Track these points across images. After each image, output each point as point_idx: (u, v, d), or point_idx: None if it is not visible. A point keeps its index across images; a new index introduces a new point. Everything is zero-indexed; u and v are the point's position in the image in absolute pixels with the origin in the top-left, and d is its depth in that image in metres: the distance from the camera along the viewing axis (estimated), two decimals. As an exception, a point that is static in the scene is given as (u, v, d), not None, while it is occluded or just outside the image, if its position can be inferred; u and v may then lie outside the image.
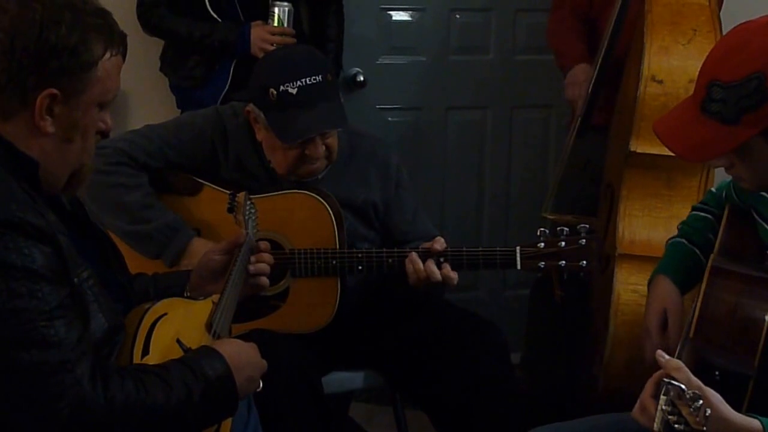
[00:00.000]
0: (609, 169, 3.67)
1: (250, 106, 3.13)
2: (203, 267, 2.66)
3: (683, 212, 2.90)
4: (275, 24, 3.73)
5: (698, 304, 2.37)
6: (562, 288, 3.08)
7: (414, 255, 3.06)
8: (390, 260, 3.10)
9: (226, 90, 3.81)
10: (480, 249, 3.11)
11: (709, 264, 2.43)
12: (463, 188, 4.71)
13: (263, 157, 3.18)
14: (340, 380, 3.31)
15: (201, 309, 2.41)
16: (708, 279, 2.38)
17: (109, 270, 2.31)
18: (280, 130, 3.05)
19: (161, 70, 3.98)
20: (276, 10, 3.73)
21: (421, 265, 3.04)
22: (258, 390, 2.29)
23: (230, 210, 2.95)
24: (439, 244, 3.08)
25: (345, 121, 3.13)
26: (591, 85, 3.69)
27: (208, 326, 2.34)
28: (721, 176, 2.81)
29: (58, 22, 2.02)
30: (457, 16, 4.55)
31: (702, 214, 2.78)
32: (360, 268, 3.11)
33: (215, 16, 3.77)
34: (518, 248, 3.07)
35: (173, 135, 3.19)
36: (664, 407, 1.88)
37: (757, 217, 2.51)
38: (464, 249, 3.10)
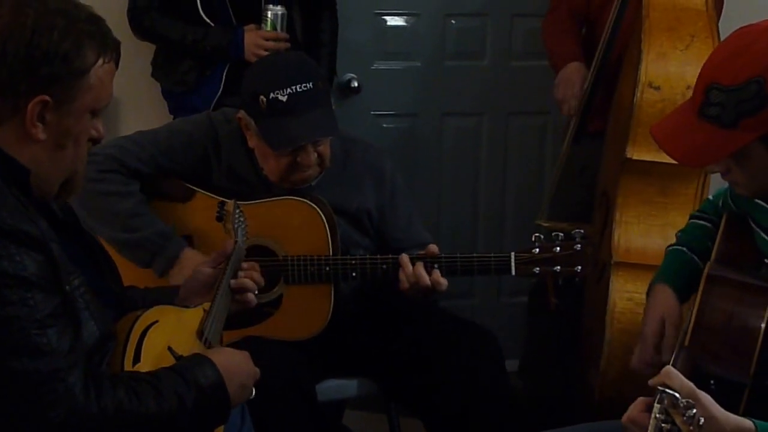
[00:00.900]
0: (604, 176, 3.66)
1: (241, 113, 3.12)
2: (193, 280, 2.64)
3: (679, 220, 2.89)
4: (268, 28, 3.73)
5: (694, 312, 2.36)
6: (557, 296, 3.07)
7: (404, 258, 3.05)
8: (384, 266, 3.09)
9: (218, 95, 3.79)
10: (474, 255, 3.10)
11: (705, 271, 2.42)
12: (459, 195, 4.70)
13: (256, 164, 3.17)
14: (334, 388, 3.29)
15: (192, 316, 2.41)
16: (704, 287, 2.38)
17: (101, 277, 2.31)
18: (270, 138, 3.04)
19: (153, 75, 3.96)
20: (269, 14, 3.73)
21: (410, 268, 3.03)
22: (251, 398, 2.29)
23: (219, 219, 2.96)
24: (433, 251, 3.07)
25: (336, 128, 3.11)
26: (587, 89, 3.68)
27: (200, 334, 2.34)
28: (717, 184, 2.80)
29: (50, 28, 2.01)
30: (453, 21, 4.53)
31: (701, 222, 2.78)
32: (354, 274, 3.10)
33: (207, 20, 3.75)
34: (513, 254, 3.06)
35: (165, 141, 3.18)
36: (658, 415, 1.88)
37: (753, 225, 2.50)
38: (458, 255, 3.09)
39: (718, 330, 2.31)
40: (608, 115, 3.68)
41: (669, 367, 1.96)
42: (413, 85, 4.55)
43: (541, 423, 2.79)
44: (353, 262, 3.10)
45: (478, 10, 4.56)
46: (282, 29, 3.74)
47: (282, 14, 3.74)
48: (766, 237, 2.45)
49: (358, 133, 3.57)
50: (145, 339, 2.19)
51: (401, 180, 3.37)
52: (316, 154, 3.09)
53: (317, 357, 3.15)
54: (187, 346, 2.26)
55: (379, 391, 3.33)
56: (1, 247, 1.93)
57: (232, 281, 2.64)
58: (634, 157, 3.30)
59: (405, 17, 4.50)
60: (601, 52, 3.62)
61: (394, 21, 4.49)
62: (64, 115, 2.06)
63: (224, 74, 3.79)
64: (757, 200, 2.43)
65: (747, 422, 1.97)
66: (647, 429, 1.91)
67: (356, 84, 4.41)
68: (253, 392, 2.28)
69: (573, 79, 3.81)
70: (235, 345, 2.45)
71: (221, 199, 3.02)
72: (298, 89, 3.01)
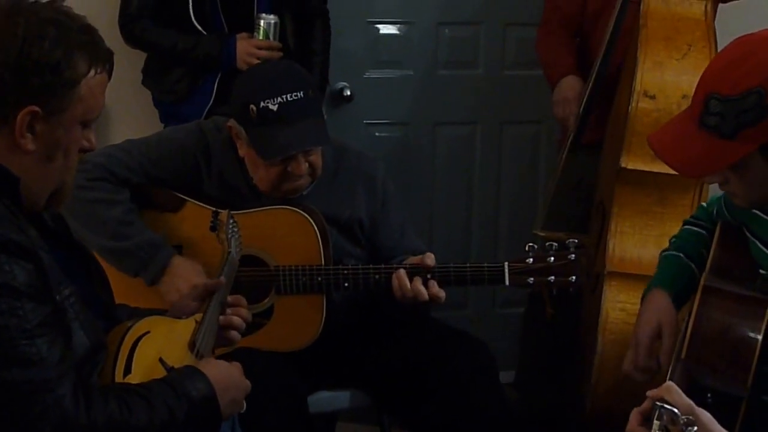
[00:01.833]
0: (601, 187, 3.65)
1: (232, 122, 3.10)
2: (178, 309, 2.60)
3: (675, 230, 2.88)
4: (261, 37, 3.72)
5: (690, 324, 2.35)
6: (554, 306, 3.05)
7: (401, 273, 3.03)
8: (377, 276, 3.07)
9: (210, 104, 3.78)
10: (468, 265, 3.08)
11: (701, 283, 2.41)
12: (452, 205, 4.68)
13: (247, 173, 3.15)
14: (326, 399, 3.27)
15: (184, 328, 2.39)
16: (700, 298, 2.37)
17: (92, 287, 2.29)
18: (261, 147, 3.02)
19: (143, 83, 3.95)
20: (261, 22, 3.73)
21: (408, 284, 3.01)
22: (242, 411, 2.28)
23: (213, 228, 2.95)
24: (430, 259, 3.06)
25: (327, 138, 3.09)
26: (583, 102, 3.67)
27: (191, 345, 2.33)
28: (714, 194, 2.79)
29: (41, 38, 2.00)
30: (446, 30, 4.52)
31: (695, 228, 2.76)
32: (346, 284, 3.08)
33: (200, 28, 3.73)
34: (506, 264, 3.05)
35: (155, 150, 3.16)
36: (657, 432, 1.86)
37: (749, 235, 2.49)
38: (452, 265, 3.07)
39: (715, 342, 2.30)
40: (605, 127, 3.67)
41: (670, 383, 1.93)
42: (406, 94, 4.54)
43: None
44: (345, 272, 3.08)
45: (471, 19, 4.55)
46: (275, 38, 3.74)
47: (275, 23, 3.73)
48: (762, 247, 2.44)
49: (351, 142, 3.55)
50: (137, 350, 2.17)
51: (393, 188, 3.35)
52: (307, 164, 3.07)
53: (309, 368, 3.12)
54: (179, 357, 2.25)
55: (372, 403, 3.31)
56: (-10, 256, 1.91)
57: (221, 318, 2.58)
58: (629, 167, 3.29)
59: (398, 26, 4.49)
60: (597, 67, 3.61)
61: (386, 30, 4.48)
62: (55, 125, 2.04)
63: (216, 83, 3.77)
64: (754, 210, 2.42)
65: None
66: None
67: (349, 93, 4.40)
68: (244, 406, 2.27)
69: (570, 98, 3.82)
70: (227, 356, 2.44)
71: (211, 208, 3.01)
72: (289, 98, 2.99)
